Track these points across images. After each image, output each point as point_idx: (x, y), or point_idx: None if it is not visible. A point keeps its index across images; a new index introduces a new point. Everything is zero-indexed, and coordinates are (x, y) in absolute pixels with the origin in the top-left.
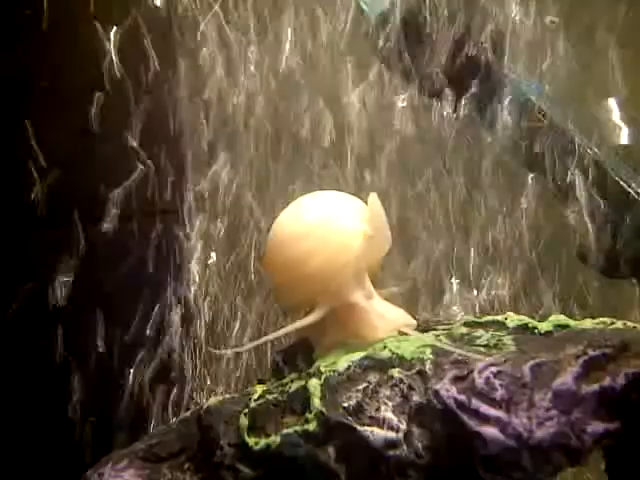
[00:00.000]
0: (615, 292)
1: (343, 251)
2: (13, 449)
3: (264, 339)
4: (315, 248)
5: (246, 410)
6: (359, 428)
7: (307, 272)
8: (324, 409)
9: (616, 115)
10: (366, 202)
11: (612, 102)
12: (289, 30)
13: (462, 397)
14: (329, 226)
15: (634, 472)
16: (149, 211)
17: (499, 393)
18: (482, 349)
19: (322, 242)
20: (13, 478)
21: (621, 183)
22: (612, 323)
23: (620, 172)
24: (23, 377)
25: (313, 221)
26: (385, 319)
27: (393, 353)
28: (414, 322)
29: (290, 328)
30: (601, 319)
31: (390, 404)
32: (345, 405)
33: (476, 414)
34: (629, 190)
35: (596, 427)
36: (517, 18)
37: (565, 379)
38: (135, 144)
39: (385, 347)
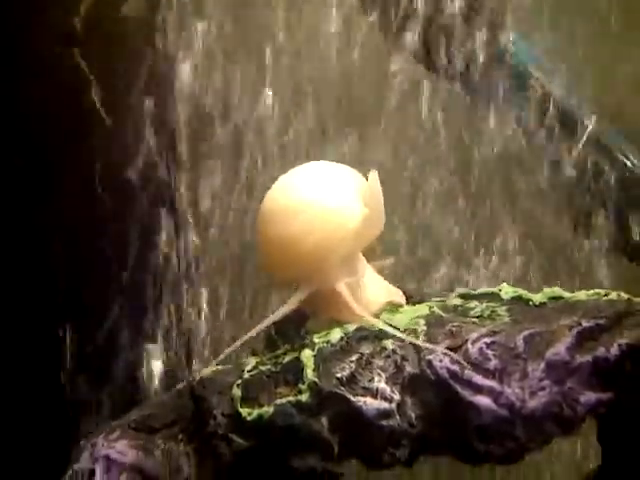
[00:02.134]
0: None
1: (339, 231)
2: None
3: (251, 333)
4: (310, 226)
5: (239, 381)
6: (352, 398)
7: (299, 250)
8: (317, 380)
9: None
10: (365, 176)
11: None
12: None
13: (455, 367)
14: (326, 203)
15: (627, 442)
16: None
17: (492, 363)
18: (476, 320)
19: (318, 220)
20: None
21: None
22: (607, 294)
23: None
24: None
25: (309, 196)
26: (372, 302)
27: (386, 324)
28: (402, 301)
29: (274, 317)
30: (596, 290)
31: (383, 375)
32: (338, 376)
33: (469, 384)
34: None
35: (589, 397)
36: None
37: (558, 349)
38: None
39: (378, 318)
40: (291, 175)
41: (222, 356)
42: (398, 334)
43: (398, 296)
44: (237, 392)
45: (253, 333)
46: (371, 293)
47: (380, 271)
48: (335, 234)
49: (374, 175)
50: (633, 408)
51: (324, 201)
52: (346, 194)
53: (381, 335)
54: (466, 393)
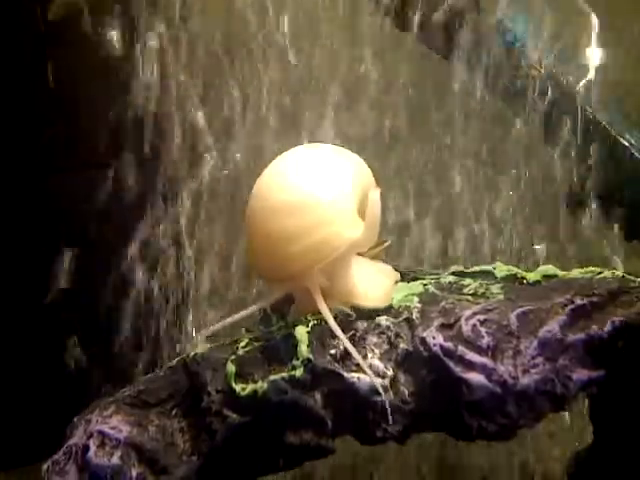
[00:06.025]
0: None
1: (333, 241)
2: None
3: (228, 320)
4: (304, 229)
5: (233, 357)
6: (346, 375)
7: (288, 251)
8: (311, 356)
9: None
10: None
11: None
12: None
13: (448, 344)
14: (325, 210)
15: (618, 419)
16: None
17: (485, 340)
18: (469, 297)
19: (313, 225)
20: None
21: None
22: (600, 272)
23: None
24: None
25: (307, 196)
26: (363, 295)
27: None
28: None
29: (252, 309)
30: (589, 268)
31: (377, 351)
32: (332, 352)
33: (462, 361)
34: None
35: (581, 374)
36: None
37: (551, 327)
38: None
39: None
40: (292, 163)
41: (209, 331)
42: (341, 337)
43: (393, 276)
44: (231, 368)
45: (235, 319)
46: (363, 287)
47: (377, 255)
48: (328, 243)
49: (376, 194)
50: (625, 386)
51: (324, 207)
52: (347, 201)
53: (375, 312)
54: (459, 370)
